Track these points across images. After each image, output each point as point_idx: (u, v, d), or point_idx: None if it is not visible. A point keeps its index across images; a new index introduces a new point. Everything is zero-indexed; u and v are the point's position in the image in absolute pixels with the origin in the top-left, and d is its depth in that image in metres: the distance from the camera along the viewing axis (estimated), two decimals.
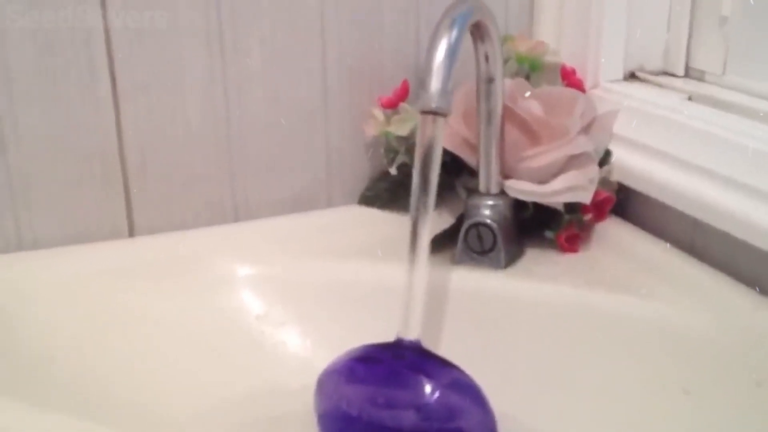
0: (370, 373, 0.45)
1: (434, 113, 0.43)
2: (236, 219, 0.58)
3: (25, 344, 0.47)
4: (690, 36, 0.59)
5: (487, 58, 0.50)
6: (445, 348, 0.47)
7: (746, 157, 0.49)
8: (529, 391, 0.47)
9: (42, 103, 0.51)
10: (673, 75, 0.60)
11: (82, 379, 0.46)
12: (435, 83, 0.43)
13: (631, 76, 0.60)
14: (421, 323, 0.45)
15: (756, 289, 0.47)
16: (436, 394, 0.44)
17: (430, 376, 0.44)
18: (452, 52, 0.44)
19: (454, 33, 0.44)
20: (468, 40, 0.49)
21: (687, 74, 0.60)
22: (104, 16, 0.51)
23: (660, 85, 0.58)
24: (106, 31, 0.52)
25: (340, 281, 0.54)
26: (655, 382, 0.45)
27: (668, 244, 0.52)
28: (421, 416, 0.44)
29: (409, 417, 0.43)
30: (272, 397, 0.48)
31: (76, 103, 0.52)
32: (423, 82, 0.44)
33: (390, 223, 0.58)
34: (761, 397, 0.42)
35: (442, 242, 0.55)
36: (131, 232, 0.55)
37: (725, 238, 0.48)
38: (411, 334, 0.45)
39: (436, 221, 0.57)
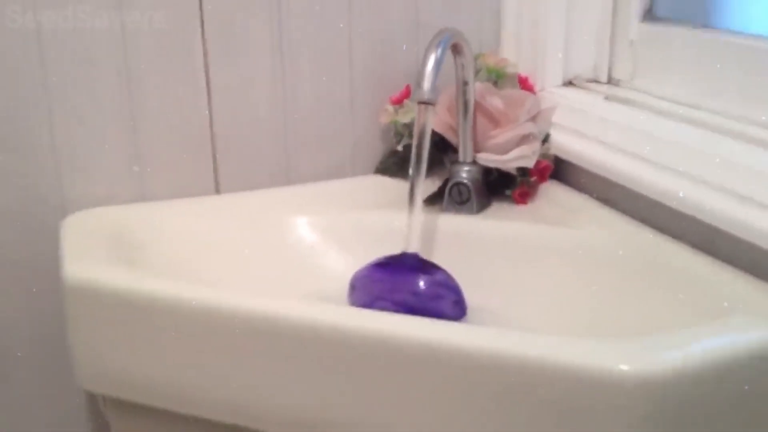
0: (385, 272, 0.69)
1: (426, 103, 0.67)
2: (288, 183, 0.81)
3: (152, 258, 0.70)
4: (611, 54, 0.82)
5: (463, 68, 0.74)
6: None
7: (640, 136, 0.72)
8: (492, 289, 0.70)
9: (159, 93, 0.75)
10: (598, 82, 0.83)
11: (189, 276, 0.69)
12: (426, 83, 0.67)
13: (569, 83, 0.83)
14: (418, 242, 0.69)
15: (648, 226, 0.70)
16: (426, 285, 0.67)
17: (423, 272, 0.68)
18: (438, 63, 0.67)
19: (439, 50, 0.67)
20: (450, 56, 0.73)
21: (609, 81, 0.83)
22: (203, 37, 0.76)
23: (587, 89, 0.82)
24: (204, 47, 0.76)
25: (363, 223, 0.77)
26: (578, 280, 0.68)
27: (588, 197, 0.76)
28: (415, 299, 0.67)
29: (409, 298, 0.67)
30: (320, 296, 0.71)
31: (183, 94, 0.76)
32: (419, 83, 0.68)
33: (398, 187, 0.80)
34: (644, 285, 0.64)
35: (434, 198, 0.79)
36: (217, 191, 0.79)
37: (624, 190, 0.71)
38: (411, 249, 0.69)
39: (429, 185, 0.81)
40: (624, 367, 0.47)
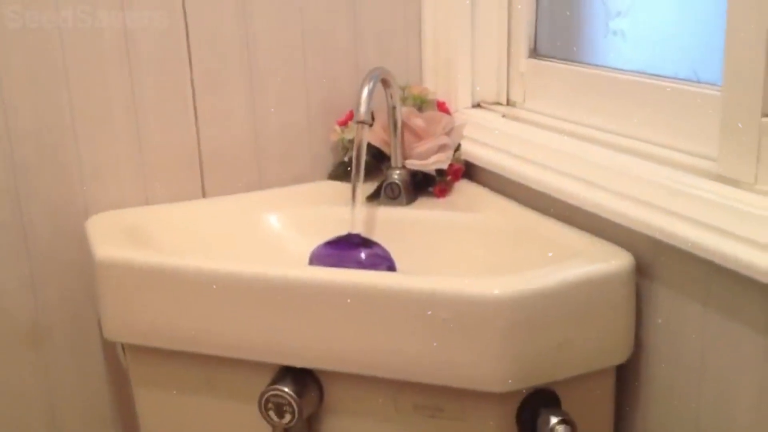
0: (335, 248, 0.91)
1: (362, 122, 0.90)
2: (260, 188, 1.04)
3: (157, 245, 0.92)
4: (507, 83, 1.06)
5: (391, 97, 0.97)
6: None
7: (528, 145, 0.95)
8: (416, 258, 0.92)
9: (159, 122, 0.97)
10: (499, 104, 1.07)
11: (184, 255, 0.91)
12: (362, 107, 0.89)
13: (477, 105, 1.07)
14: (361, 227, 0.92)
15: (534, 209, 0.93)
16: (366, 256, 0.90)
17: (364, 247, 0.90)
18: (370, 93, 0.90)
19: (371, 83, 0.90)
20: (380, 88, 0.96)
21: (507, 104, 1.07)
22: (191, 78, 0.98)
23: (490, 110, 1.05)
24: (193, 87, 0.98)
25: (319, 216, 0.99)
26: (478, 247, 0.91)
27: (489, 190, 0.99)
28: (358, 266, 0.89)
29: (353, 266, 0.89)
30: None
31: (176, 122, 0.98)
32: (356, 108, 0.91)
33: (346, 189, 1.01)
34: (521, 246, 0.87)
35: (374, 196, 1.01)
36: (204, 195, 1.02)
37: (515, 183, 0.94)
38: (355, 230, 0.91)
39: (370, 186, 1.03)
40: (496, 291, 0.71)
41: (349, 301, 0.75)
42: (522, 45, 1.04)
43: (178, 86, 0.98)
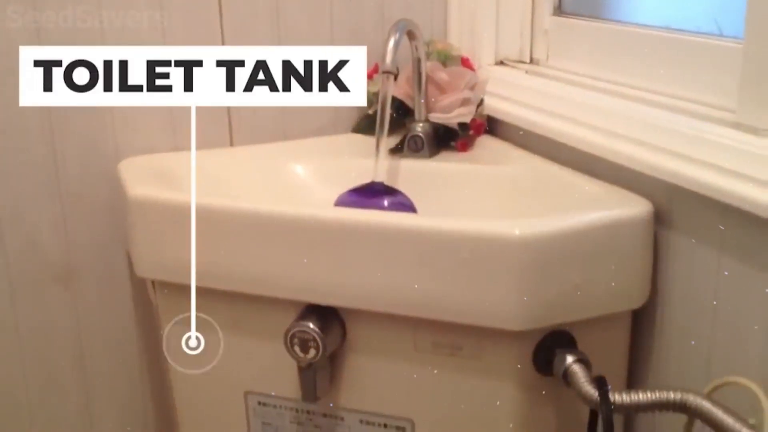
0: (359, 195, 0.93)
1: (388, 72, 0.92)
2: (285, 139, 1.06)
3: (185, 188, 0.94)
4: (531, 40, 1.08)
5: (416, 49, 0.99)
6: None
7: (551, 100, 0.97)
8: (438, 207, 0.95)
9: None
10: (522, 62, 1.08)
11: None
12: (388, 57, 0.91)
13: (500, 63, 1.09)
14: (384, 177, 0.94)
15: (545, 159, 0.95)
16: (389, 204, 0.92)
17: (387, 195, 0.92)
18: (396, 43, 0.92)
19: (397, 34, 0.92)
20: (405, 41, 0.98)
21: (531, 61, 1.08)
22: (221, 21, 1.00)
23: (514, 67, 1.07)
24: (222, 29, 1.00)
25: (343, 167, 1.01)
26: (500, 198, 0.93)
27: (510, 144, 1.01)
28: None
29: None
30: None
31: None
32: (382, 59, 0.92)
33: (369, 142, 1.05)
34: (542, 195, 0.89)
35: (397, 149, 1.04)
36: (232, 144, 1.04)
37: (535, 136, 0.96)
38: (378, 179, 0.93)
39: (393, 140, 1.06)
40: (517, 231, 0.73)
41: (373, 241, 0.77)
42: (546, 2, 1.05)
43: (208, 32, 1.00)
